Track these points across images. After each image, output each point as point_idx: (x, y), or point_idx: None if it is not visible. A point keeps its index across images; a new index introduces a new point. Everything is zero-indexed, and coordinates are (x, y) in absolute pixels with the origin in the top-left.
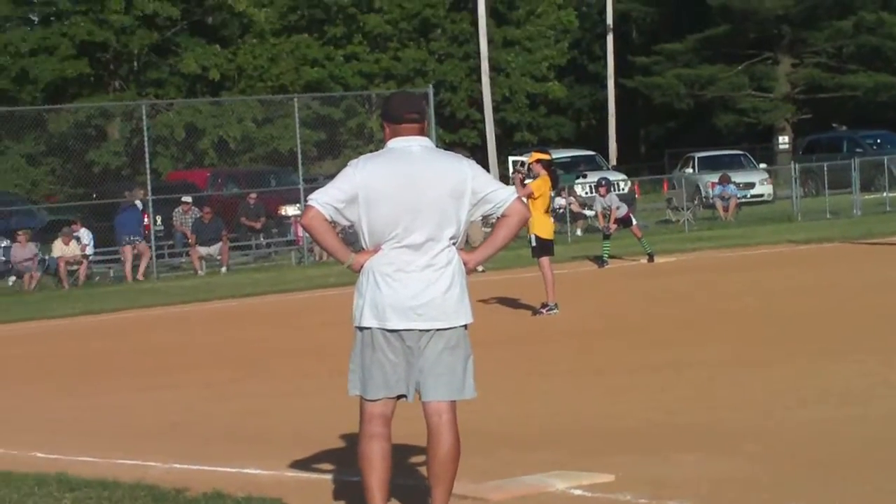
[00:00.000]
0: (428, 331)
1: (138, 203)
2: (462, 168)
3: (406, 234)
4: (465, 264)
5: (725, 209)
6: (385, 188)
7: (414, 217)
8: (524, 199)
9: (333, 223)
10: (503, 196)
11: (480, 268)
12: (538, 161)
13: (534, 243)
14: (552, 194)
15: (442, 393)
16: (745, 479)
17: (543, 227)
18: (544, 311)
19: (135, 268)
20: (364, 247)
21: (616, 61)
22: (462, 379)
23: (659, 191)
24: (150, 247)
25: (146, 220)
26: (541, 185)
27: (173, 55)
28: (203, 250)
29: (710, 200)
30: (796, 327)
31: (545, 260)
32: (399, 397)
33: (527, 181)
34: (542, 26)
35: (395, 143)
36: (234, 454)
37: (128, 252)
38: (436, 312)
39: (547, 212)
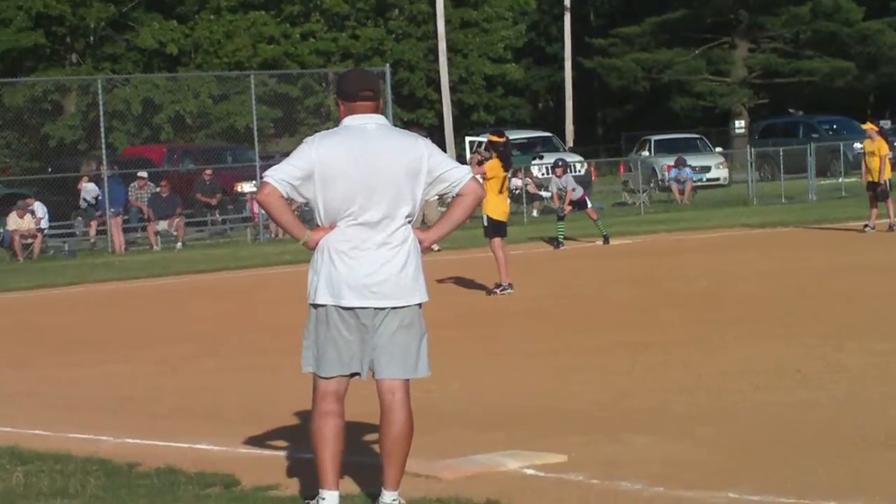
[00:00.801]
0: (383, 309)
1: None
2: (418, 146)
3: (362, 212)
4: (420, 242)
5: (681, 192)
6: (341, 165)
7: (369, 195)
8: (479, 179)
9: (289, 200)
10: (458, 175)
11: (436, 246)
12: (490, 143)
13: (486, 223)
14: (508, 175)
15: (395, 371)
16: (697, 462)
17: (496, 208)
18: (498, 290)
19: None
20: (319, 224)
21: (574, 43)
22: (416, 357)
23: (615, 173)
24: (106, 220)
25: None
26: (494, 166)
27: (130, 30)
28: (159, 226)
29: (666, 183)
30: (750, 311)
31: (497, 240)
32: (353, 375)
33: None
34: (500, 7)
35: (350, 121)
36: (186, 430)
37: (114, 224)
38: (391, 290)
39: (501, 193)
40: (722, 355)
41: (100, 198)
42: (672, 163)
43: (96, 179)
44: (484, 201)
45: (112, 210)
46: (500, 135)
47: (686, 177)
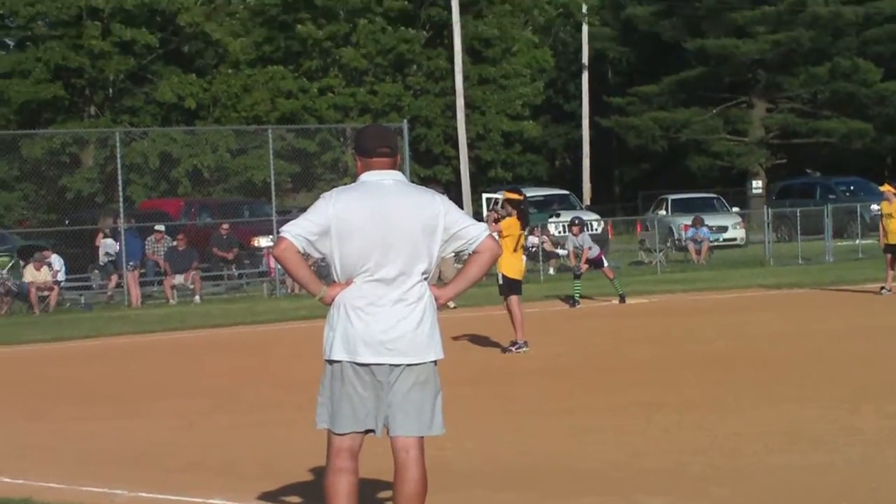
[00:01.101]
0: (398, 365)
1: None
2: (434, 203)
3: (378, 268)
4: (436, 299)
5: (698, 252)
6: (358, 221)
7: (386, 251)
8: (496, 236)
9: (306, 255)
10: (475, 232)
11: (451, 304)
12: (507, 201)
13: (501, 281)
14: (525, 233)
15: (410, 428)
16: None
17: (511, 266)
18: (513, 349)
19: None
20: (336, 279)
21: (591, 101)
22: (431, 415)
23: (632, 232)
24: (123, 275)
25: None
26: (511, 224)
27: (149, 83)
28: (175, 279)
29: (683, 243)
30: (766, 372)
31: (514, 298)
32: (367, 431)
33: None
34: (518, 65)
35: (367, 177)
36: (200, 485)
37: (131, 278)
38: (406, 347)
39: (516, 251)
40: (737, 416)
41: (117, 251)
42: (689, 222)
43: (114, 234)
44: (499, 259)
45: (130, 264)
46: (518, 192)
47: (703, 236)
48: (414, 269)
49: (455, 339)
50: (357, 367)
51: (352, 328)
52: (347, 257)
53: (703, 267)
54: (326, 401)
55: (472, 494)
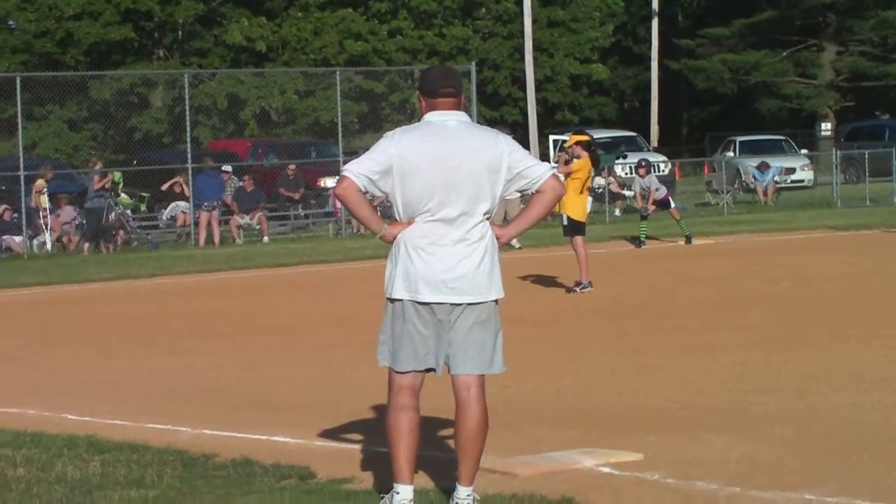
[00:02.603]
0: (459, 304)
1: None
2: (498, 143)
3: (440, 208)
4: (497, 239)
5: (765, 193)
6: (420, 161)
7: (448, 191)
8: (561, 176)
9: (369, 194)
10: (539, 172)
11: (516, 243)
12: (577, 143)
13: (565, 223)
14: (592, 175)
15: (471, 367)
16: (774, 463)
17: (576, 207)
18: (578, 288)
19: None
20: (398, 218)
21: (661, 44)
22: (491, 353)
23: (699, 174)
24: (189, 214)
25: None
26: (582, 165)
27: (218, 26)
28: (242, 220)
29: (751, 185)
30: (832, 313)
31: (578, 238)
32: (428, 370)
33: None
34: (588, 8)
35: (431, 117)
36: (264, 422)
37: (203, 217)
38: (467, 286)
39: (582, 193)
40: (802, 357)
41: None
42: (756, 164)
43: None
44: (563, 200)
45: (206, 204)
46: (585, 134)
47: (768, 179)
48: (476, 210)
49: (520, 279)
50: (418, 306)
51: (413, 267)
52: (409, 196)
53: (770, 208)
54: (387, 339)
55: (533, 432)
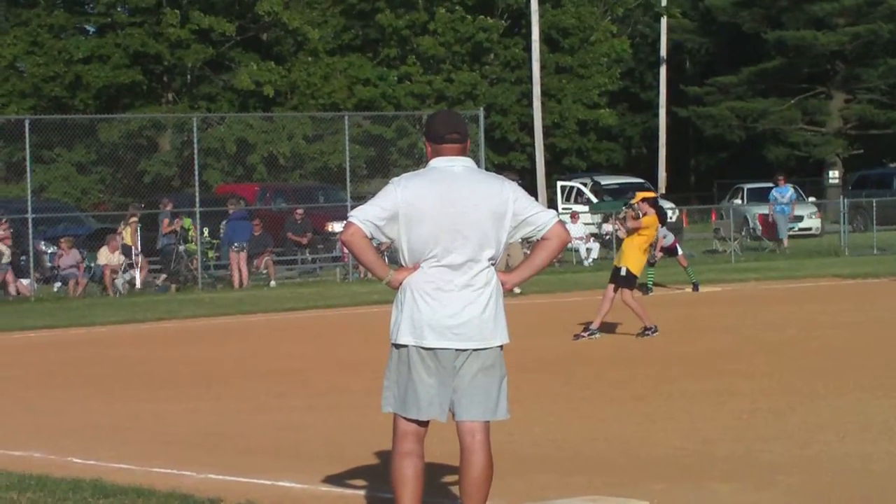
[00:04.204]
0: (464, 350)
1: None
2: (503, 190)
3: (446, 254)
4: (502, 285)
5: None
6: (426, 207)
7: (454, 237)
8: (622, 232)
9: (375, 240)
10: (544, 219)
11: (517, 289)
12: (644, 199)
13: (624, 273)
14: (659, 233)
15: (476, 413)
16: None
17: (638, 263)
18: (586, 334)
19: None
20: (403, 264)
21: (668, 91)
22: (496, 399)
23: (707, 220)
24: (198, 259)
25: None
26: (651, 222)
27: (227, 70)
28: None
29: (758, 232)
30: (839, 361)
31: (628, 292)
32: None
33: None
34: (596, 54)
35: (437, 163)
36: (269, 467)
37: (234, 258)
38: (473, 332)
39: (646, 251)
40: (809, 405)
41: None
42: (765, 211)
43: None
44: (627, 253)
45: (235, 245)
46: (651, 192)
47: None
48: (482, 256)
49: (526, 325)
50: (423, 352)
51: (418, 313)
52: (415, 243)
53: (778, 256)
54: (392, 384)
55: (539, 479)
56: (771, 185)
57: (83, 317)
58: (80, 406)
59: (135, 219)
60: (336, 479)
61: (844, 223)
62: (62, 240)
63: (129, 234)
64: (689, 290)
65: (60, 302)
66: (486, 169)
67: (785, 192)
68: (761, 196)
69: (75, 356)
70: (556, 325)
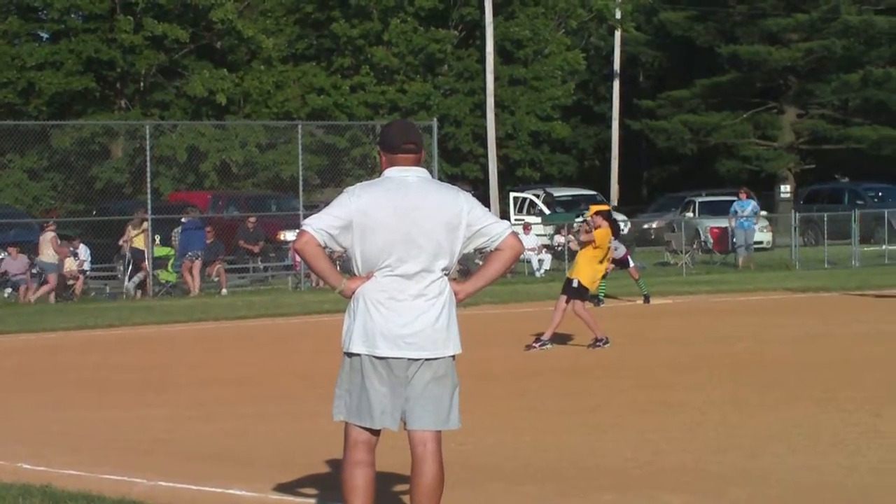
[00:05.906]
0: (417, 360)
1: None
2: (458, 201)
3: (399, 264)
4: (455, 295)
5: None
6: (380, 217)
7: (408, 247)
8: (575, 244)
9: (328, 249)
10: (498, 230)
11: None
12: (597, 213)
13: (575, 285)
14: (611, 245)
15: (427, 422)
16: None
17: (590, 276)
18: (537, 345)
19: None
20: (356, 273)
21: (622, 104)
22: (448, 409)
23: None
24: (148, 265)
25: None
26: (604, 234)
27: (180, 77)
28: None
29: (709, 245)
30: (789, 374)
31: (579, 303)
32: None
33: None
34: (550, 66)
35: (391, 173)
36: (219, 474)
37: (187, 266)
38: (425, 342)
39: (602, 262)
40: (759, 417)
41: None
42: (714, 225)
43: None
44: (580, 266)
45: (189, 254)
46: (605, 205)
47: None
48: (435, 266)
49: (478, 335)
50: (375, 361)
51: (371, 321)
52: (369, 252)
53: (730, 270)
54: (344, 393)
55: (490, 489)
56: (727, 198)
57: (34, 323)
58: (30, 412)
59: (146, 224)
60: (287, 487)
61: (795, 237)
62: (10, 247)
63: (140, 239)
64: (640, 302)
65: (11, 308)
66: (440, 179)
67: (746, 206)
68: (713, 209)
69: (26, 362)
70: (509, 336)
